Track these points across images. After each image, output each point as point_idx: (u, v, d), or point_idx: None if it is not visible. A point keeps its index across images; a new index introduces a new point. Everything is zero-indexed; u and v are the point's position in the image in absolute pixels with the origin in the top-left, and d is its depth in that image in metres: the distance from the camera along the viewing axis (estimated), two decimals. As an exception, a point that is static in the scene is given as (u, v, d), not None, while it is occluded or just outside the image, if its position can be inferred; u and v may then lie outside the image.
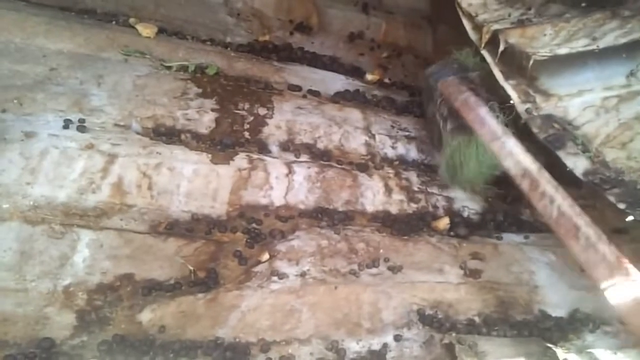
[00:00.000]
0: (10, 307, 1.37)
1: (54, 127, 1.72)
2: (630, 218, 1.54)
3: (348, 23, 2.89)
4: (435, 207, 1.98)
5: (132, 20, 2.36)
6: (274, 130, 2.05)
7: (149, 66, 2.13)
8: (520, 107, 1.81)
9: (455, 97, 1.90)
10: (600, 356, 1.47)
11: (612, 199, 1.56)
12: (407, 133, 2.27)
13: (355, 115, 2.26)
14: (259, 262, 1.62)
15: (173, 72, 2.16)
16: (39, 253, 1.47)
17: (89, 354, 1.33)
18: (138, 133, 1.84)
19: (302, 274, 1.60)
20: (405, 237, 1.80)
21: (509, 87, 1.85)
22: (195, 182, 1.76)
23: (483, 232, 1.90)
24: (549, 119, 1.78)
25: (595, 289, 1.27)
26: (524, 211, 2.01)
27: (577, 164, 1.68)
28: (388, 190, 1.97)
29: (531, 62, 1.78)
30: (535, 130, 1.76)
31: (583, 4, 1.95)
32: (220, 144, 1.91)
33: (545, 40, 1.83)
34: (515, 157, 1.59)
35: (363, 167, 2.02)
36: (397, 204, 1.94)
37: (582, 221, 1.37)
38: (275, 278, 1.57)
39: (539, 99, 1.82)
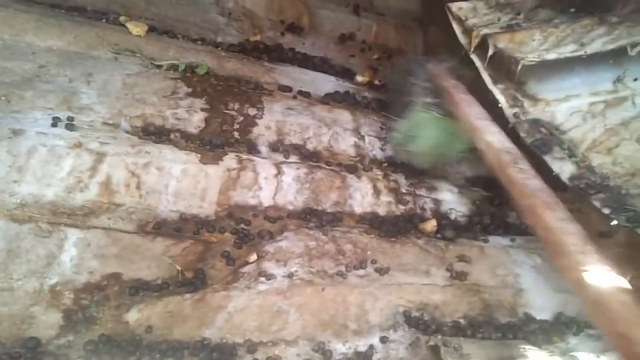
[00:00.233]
0: (-5, 306, 1.36)
1: (42, 125, 1.71)
2: (614, 222, 1.57)
3: (339, 24, 2.89)
4: (422, 209, 1.98)
5: (122, 19, 2.35)
6: (264, 131, 2.05)
7: (139, 65, 2.12)
8: (508, 112, 1.83)
9: (446, 78, 1.93)
10: (584, 359, 1.49)
11: (597, 204, 1.59)
12: (396, 135, 2.27)
13: (345, 116, 2.26)
14: (247, 263, 1.62)
15: (163, 71, 2.15)
16: (26, 252, 1.46)
17: (75, 353, 1.33)
18: (127, 132, 1.83)
19: (290, 275, 1.60)
20: (393, 239, 1.80)
21: (497, 91, 1.87)
22: (183, 182, 1.76)
23: (470, 234, 1.90)
24: (536, 123, 1.80)
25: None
26: (510, 214, 2.03)
27: (564, 169, 1.71)
28: (376, 192, 1.97)
29: (519, 66, 1.80)
30: (522, 134, 1.78)
31: (572, 10, 1.97)
32: (209, 144, 1.90)
33: (533, 45, 1.85)
34: (499, 135, 1.60)
35: (352, 169, 2.02)
36: (385, 205, 1.95)
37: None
38: (262, 279, 1.57)
39: (526, 103, 1.85)
